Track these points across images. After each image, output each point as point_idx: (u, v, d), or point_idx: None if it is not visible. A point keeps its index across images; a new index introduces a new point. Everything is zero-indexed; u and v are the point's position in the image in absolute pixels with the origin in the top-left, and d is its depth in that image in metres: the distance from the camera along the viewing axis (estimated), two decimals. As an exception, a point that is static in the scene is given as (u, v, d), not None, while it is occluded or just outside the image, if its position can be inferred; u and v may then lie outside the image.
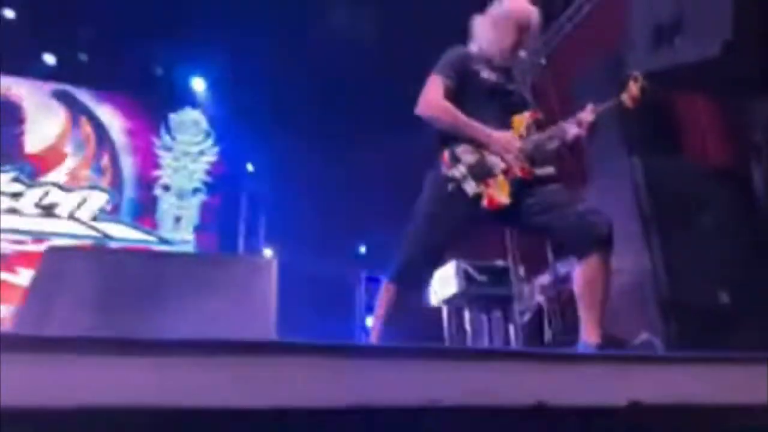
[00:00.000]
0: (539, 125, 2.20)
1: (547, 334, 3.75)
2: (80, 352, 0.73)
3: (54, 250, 1.71)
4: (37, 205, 6.13)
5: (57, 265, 1.35)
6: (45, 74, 6.34)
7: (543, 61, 3.17)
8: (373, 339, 2.12)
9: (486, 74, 2.22)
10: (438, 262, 2.22)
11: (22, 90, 6.37)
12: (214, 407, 0.72)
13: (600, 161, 3.12)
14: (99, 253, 1.70)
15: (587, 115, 2.10)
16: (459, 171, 2.08)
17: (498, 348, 3.36)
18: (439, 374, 0.82)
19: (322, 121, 6.41)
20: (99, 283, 1.30)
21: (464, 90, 2.18)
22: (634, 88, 2.02)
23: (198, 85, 6.80)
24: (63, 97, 6.49)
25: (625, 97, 2.04)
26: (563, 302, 3.31)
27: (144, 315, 1.27)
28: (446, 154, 2.11)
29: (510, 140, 2.09)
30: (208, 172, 6.88)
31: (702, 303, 2.47)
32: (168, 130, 6.83)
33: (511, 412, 0.85)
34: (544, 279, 3.94)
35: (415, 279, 2.16)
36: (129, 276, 1.34)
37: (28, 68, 6.28)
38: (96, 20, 5.71)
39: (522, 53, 2.53)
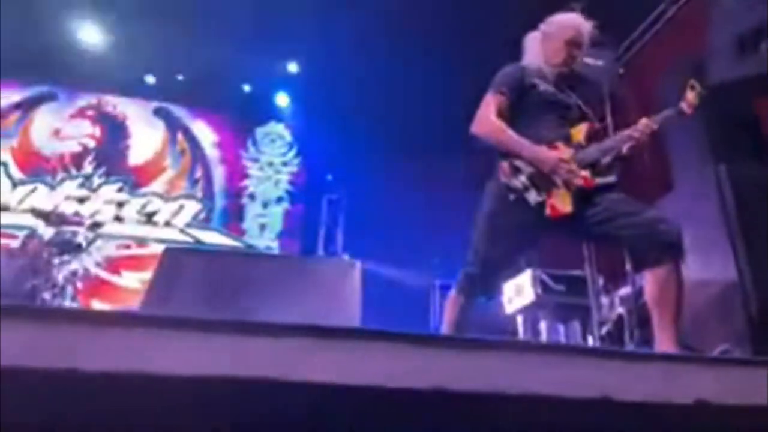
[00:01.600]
0: (597, 136, 2.22)
1: (629, 347, 3.66)
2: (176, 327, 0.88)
3: (172, 251, 1.93)
4: (139, 213, 6.68)
5: (175, 262, 1.54)
6: (146, 93, 6.92)
7: (621, 70, 3.15)
8: None
9: (543, 87, 2.26)
10: (504, 272, 2.26)
11: (127, 108, 6.98)
12: (312, 381, 0.85)
13: (685, 169, 3.05)
14: (208, 253, 1.90)
15: (643, 126, 2.09)
16: (520, 181, 2.13)
17: (565, 344, 3.33)
18: (509, 365, 0.90)
19: (400, 134, 6.57)
20: (208, 280, 1.48)
21: (522, 104, 2.23)
22: (691, 95, 2.01)
23: (282, 100, 7.18)
24: (162, 114, 7.06)
25: (683, 105, 2.03)
26: (644, 315, 3.24)
27: (244, 309, 1.43)
28: (506, 165, 2.17)
29: (557, 161, 2.10)
30: (291, 182, 7.22)
31: (793, 316, 2.36)
32: (254, 143, 7.24)
33: (579, 403, 0.92)
34: (625, 290, 3.86)
35: (481, 290, 2.22)
36: (233, 274, 1.51)
37: (132, 88, 6.89)
38: (190, 42, 6.16)
39: (599, 62, 2.55)
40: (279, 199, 7.12)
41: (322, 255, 6.77)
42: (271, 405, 0.88)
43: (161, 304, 1.39)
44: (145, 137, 6.93)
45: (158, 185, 6.82)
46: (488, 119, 2.21)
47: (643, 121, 2.11)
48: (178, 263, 1.50)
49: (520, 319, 4.36)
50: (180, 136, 7.05)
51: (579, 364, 0.96)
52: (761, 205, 2.58)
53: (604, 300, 4.08)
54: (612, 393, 0.94)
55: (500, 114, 2.22)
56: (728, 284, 2.49)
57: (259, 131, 7.29)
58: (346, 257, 7.02)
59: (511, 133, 2.19)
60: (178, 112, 7.09)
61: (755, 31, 2.40)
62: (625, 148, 2.15)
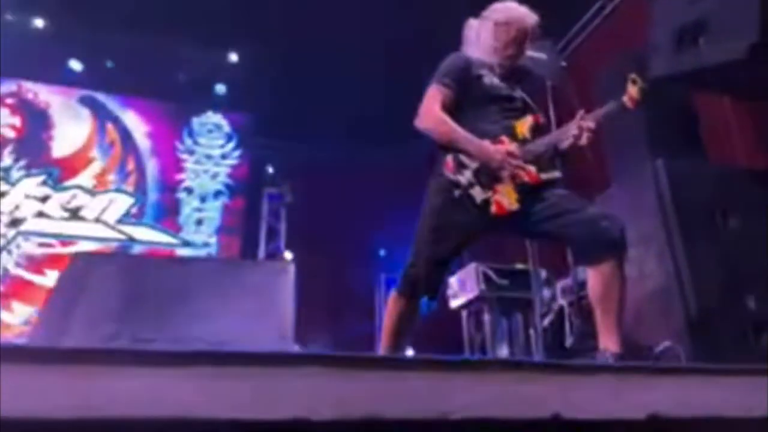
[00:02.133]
0: (542, 129, 2.18)
1: (569, 339, 3.70)
2: (93, 362, 0.74)
3: (80, 257, 1.74)
4: (64, 209, 6.26)
5: (81, 271, 1.37)
6: (72, 81, 6.49)
7: (564, 63, 3.13)
8: (381, 351, 2.11)
9: (488, 79, 2.20)
10: (447, 270, 2.19)
11: (50, 96, 6.52)
12: (227, 419, 0.73)
13: (623, 164, 3.08)
14: (122, 259, 1.72)
15: (586, 121, 2.06)
16: (465, 177, 2.06)
17: (511, 359, 3.33)
18: (450, 385, 0.81)
19: (343, 125, 6.44)
20: (122, 290, 1.32)
21: (466, 96, 2.17)
22: (633, 90, 1.99)
23: (220, 90, 6.89)
24: (89, 103, 6.63)
25: (625, 100, 2.01)
26: (584, 306, 3.26)
27: (166, 321, 1.29)
28: (450, 160, 2.10)
29: (504, 155, 2.05)
30: (230, 176, 6.95)
31: (728, 309, 2.41)
32: (190, 134, 6.93)
33: (526, 425, 0.84)
34: (565, 282, 3.89)
35: (424, 291, 2.14)
36: (151, 282, 1.36)
37: (56, 75, 6.43)
38: (121, 27, 5.81)
39: (542, 55, 2.51)
40: (217, 193, 6.84)
41: (263, 252, 6.56)
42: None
43: (58, 322, 1.22)
44: (70, 127, 6.50)
45: (85, 179, 6.42)
46: (433, 113, 2.13)
47: (582, 115, 2.08)
48: (86, 272, 1.34)
49: (464, 314, 4.34)
50: (109, 127, 6.65)
51: (528, 380, 0.88)
52: (698, 200, 2.62)
53: (546, 292, 4.10)
54: (563, 411, 0.86)
55: (445, 107, 2.14)
56: (667, 279, 2.51)
57: (196, 122, 6.97)
58: (287, 254, 6.84)
59: (457, 127, 2.11)
60: (107, 100, 6.68)
61: (695, 25, 2.42)
62: (566, 143, 2.12)
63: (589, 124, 2.05)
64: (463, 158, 2.09)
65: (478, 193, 2.04)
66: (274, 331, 1.39)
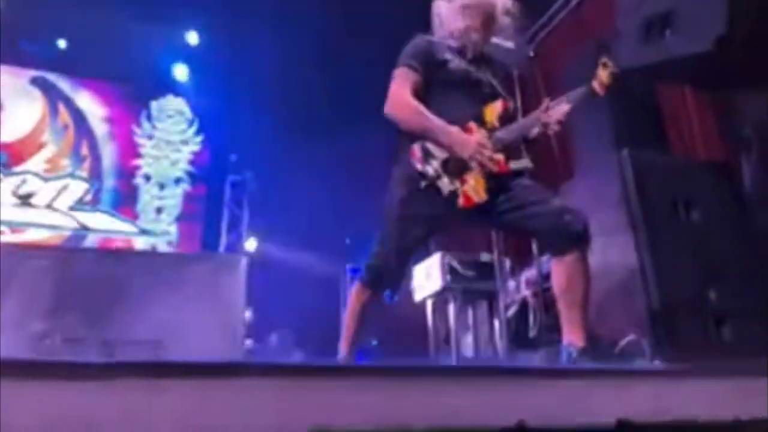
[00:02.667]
0: (511, 115, 2.14)
1: (533, 330, 3.70)
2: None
3: (6, 248, 1.61)
4: (14, 195, 5.97)
5: (8, 265, 1.25)
6: (22, 61, 6.16)
7: (531, 53, 3.09)
8: (342, 346, 2.04)
9: (455, 63, 2.14)
10: (411, 261, 2.14)
11: (-2, 77, 6.19)
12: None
13: (588, 154, 3.06)
14: (54, 252, 1.59)
15: (556, 110, 2.02)
16: (432, 167, 2.00)
17: (475, 365, 3.31)
18: (409, 394, 0.74)
19: (307, 111, 6.30)
20: (53, 285, 1.21)
21: (432, 80, 2.10)
22: (603, 74, 1.95)
23: (181, 72, 6.65)
24: (41, 85, 6.32)
25: (595, 84, 1.97)
26: (548, 298, 3.26)
27: (99, 319, 1.18)
28: (417, 149, 2.03)
29: (476, 146, 1.99)
30: (191, 162, 6.74)
31: (690, 301, 2.42)
32: (149, 119, 6.68)
33: (490, 435, 0.78)
34: (530, 273, 3.89)
35: (388, 283, 2.09)
36: (85, 277, 1.25)
37: (6, 55, 6.10)
38: (75, 4, 5.54)
39: (509, 44, 2.46)
40: (178, 180, 6.63)
41: (225, 241, 6.40)
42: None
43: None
44: (20, 110, 6.19)
45: (36, 163, 6.13)
46: (405, 101, 2.05)
47: (550, 104, 2.03)
48: (11, 266, 1.21)
49: (429, 305, 4.31)
50: (62, 109, 6.35)
51: (492, 386, 0.82)
52: (662, 191, 2.61)
53: (511, 283, 4.10)
54: (529, 418, 0.81)
55: (414, 92, 2.07)
56: (630, 271, 2.50)
57: (155, 106, 6.72)
58: (250, 242, 6.68)
59: (429, 115, 2.04)
60: (60, 82, 6.38)
61: (661, 17, 2.40)
62: (535, 132, 2.08)
63: (560, 113, 2.00)
64: (430, 147, 2.03)
65: (445, 185, 1.99)
66: (221, 328, 1.30)
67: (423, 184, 2.00)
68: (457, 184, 1.99)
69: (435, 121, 2.02)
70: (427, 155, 2.02)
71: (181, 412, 0.67)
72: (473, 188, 1.98)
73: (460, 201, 1.98)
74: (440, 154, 2.01)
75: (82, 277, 1.20)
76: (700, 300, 2.45)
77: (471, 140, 2.00)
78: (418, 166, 2.01)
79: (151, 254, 3.49)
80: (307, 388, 0.72)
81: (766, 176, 2.96)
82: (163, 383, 0.67)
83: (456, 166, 2.00)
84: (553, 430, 0.81)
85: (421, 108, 2.05)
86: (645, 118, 3.00)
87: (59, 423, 0.60)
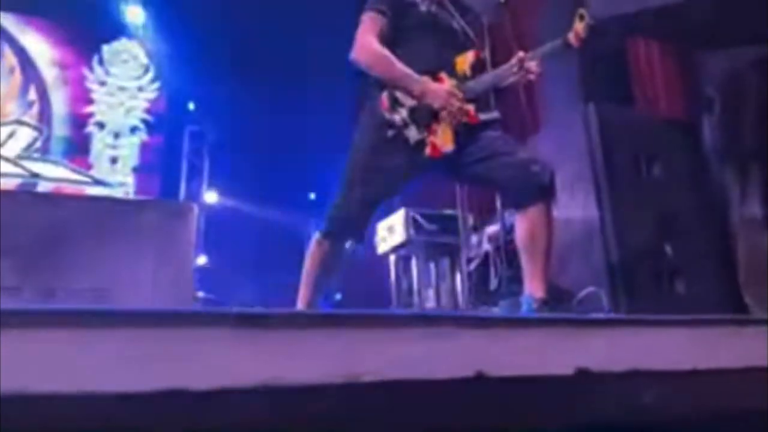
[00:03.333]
0: (482, 66, 2.09)
1: (493, 283, 3.74)
2: None
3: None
4: (-43, 141, 5.64)
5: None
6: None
7: (502, 0, 2.99)
8: (301, 299, 2.00)
9: (424, 7, 2.06)
10: (375, 213, 2.09)
11: (-68, 13, 5.74)
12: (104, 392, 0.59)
13: (554, 107, 3.04)
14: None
15: (530, 61, 1.98)
16: (400, 116, 1.94)
17: (429, 312, 3.33)
18: (360, 344, 0.70)
19: (270, 57, 6.07)
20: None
21: (401, 25, 2.03)
22: (579, 26, 1.90)
23: (135, 14, 6.29)
24: (-19, 23, 5.90)
25: (570, 36, 1.92)
26: (510, 251, 3.28)
27: (33, 268, 1.10)
28: (385, 97, 1.97)
29: (448, 96, 1.94)
30: (148, 110, 6.46)
31: (647, 256, 2.46)
32: (101, 63, 6.33)
33: (445, 385, 0.75)
34: (492, 228, 3.91)
35: (351, 234, 2.04)
36: (19, 221, 1.16)
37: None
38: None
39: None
40: (133, 129, 6.36)
41: (184, 193, 6.22)
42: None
43: None
44: (-40, 50, 5.78)
45: (-20, 108, 5.78)
46: (372, 46, 1.98)
47: (523, 56, 1.98)
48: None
49: (392, 259, 4.30)
50: (6, 50, 5.96)
51: (448, 336, 0.78)
52: (625, 146, 2.62)
53: (473, 238, 4.12)
54: (486, 368, 0.78)
55: (382, 38, 2.00)
56: (591, 225, 2.52)
57: (107, 49, 6.37)
58: (210, 195, 6.52)
59: (398, 63, 1.97)
60: (4, 19, 5.96)
61: (635, -37, 2.34)
62: (506, 83, 2.04)
63: (533, 64, 1.96)
64: (398, 95, 1.96)
65: (413, 134, 1.94)
66: (170, 277, 1.24)
67: (390, 133, 1.94)
68: (425, 133, 1.94)
69: (402, 69, 1.97)
70: (395, 103, 1.96)
71: (117, 361, 0.61)
72: (441, 138, 1.94)
73: (428, 151, 1.93)
74: (409, 102, 1.96)
75: (16, 221, 1.11)
76: (657, 254, 2.50)
77: (441, 89, 1.95)
78: (386, 115, 1.95)
79: (94, 199, 3.33)
80: (261, 338, 0.67)
81: (726, 135, 3.00)
82: (100, 333, 0.61)
83: (424, 115, 1.95)
84: (511, 379, 0.79)
85: (388, 54, 1.99)
86: (613, 72, 2.97)
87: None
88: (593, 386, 0.84)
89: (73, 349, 0.59)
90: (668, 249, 2.51)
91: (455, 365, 0.77)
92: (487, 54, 2.84)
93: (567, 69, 2.93)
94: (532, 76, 1.97)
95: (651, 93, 3.23)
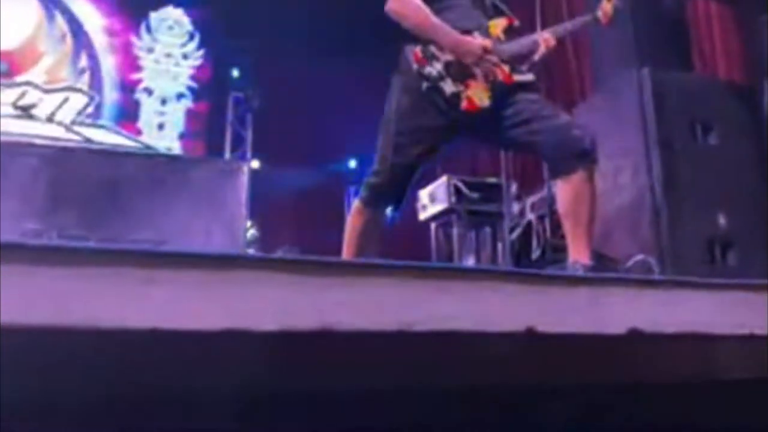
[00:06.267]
0: (516, 33, 2.04)
1: (535, 253, 3.70)
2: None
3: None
4: (14, 106, 5.85)
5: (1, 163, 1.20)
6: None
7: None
8: None
9: None
10: (413, 178, 2.06)
11: (-12, -20, 5.90)
12: (147, 328, 0.61)
13: (605, 73, 2.93)
14: (48, 150, 1.53)
15: (548, 38, 1.98)
16: (435, 68, 1.91)
17: (483, 267, 3.31)
18: (413, 294, 0.71)
19: (315, 26, 6.04)
20: (45, 184, 1.16)
21: None
22: (607, 6, 1.96)
23: (180, -19, 6.34)
24: (35, -10, 6.04)
25: (599, 14, 1.97)
26: (555, 221, 3.23)
27: (96, 220, 1.15)
28: (419, 50, 1.94)
29: (482, 50, 1.91)
30: (193, 77, 6.55)
31: (698, 225, 2.38)
32: (148, 30, 6.43)
33: (497, 338, 0.75)
34: (535, 197, 3.85)
35: (390, 200, 2.03)
36: (81, 176, 1.20)
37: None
38: None
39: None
40: (180, 96, 6.46)
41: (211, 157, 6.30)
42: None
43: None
44: (15, 17, 5.94)
45: (36, 74, 5.96)
46: None
47: (545, 34, 1.98)
48: (4, 164, 1.16)
49: (433, 227, 4.30)
50: (59, 17, 6.11)
51: (500, 290, 0.78)
52: (680, 113, 2.52)
53: (516, 206, 4.07)
54: (537, 324, 0.78)
55: None
56: (641, 193, 2.45)
57: (154, 17, 6.45)
58: (254, 162, 6.60)
59: (432, 15, 1.93)
60: (55, -13, 6.10)
61: None
62: (537, 55, 2.01)
63: (549, 38, 1.94)
64: (433, 49, 1.93)
65: (448, 86, 1.90)
66: (222, 233, 1.27)
67: (425, 85, 1.91)
68: (461, 87, 1.91)
69: (437, 21, 1.95)
70: (430, 57, 1.93)
71: (177, 303, 0.64)
72: (477, 93, 1.90)
73: (464, 104, 1.90)
74: (444, 56, 1.93)
75: (76, 177, 1.15)
76: (709, 224, 2.42)
77: (475, 43, 1.92)
78: (421, 68, 1.92)
79: (149, 156, 3.41)
80: (316, 284, 0.68)
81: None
82: (161, 273, 0.63)
83: (459, 70, 1.92)
84: (563, 336, 0.79)
85: (424, 7, 1.96)
86: (669, 35, 2.84)
87: (45, 305, 0.57)
88: (645, 347, 0.83)
89: (140, 286, 0.61)
90: (722, 220, 2.42)
91: (505, 321, 0.77)
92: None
93: (620, 33, 2.81)
94: (541, 53, 1.95)
95: (709, 56, 3.09)
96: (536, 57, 1.99)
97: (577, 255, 1.85)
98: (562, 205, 1.92)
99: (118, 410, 0.70)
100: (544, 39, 1.98)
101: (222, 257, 0.63)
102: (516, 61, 1.98)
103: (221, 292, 0.64)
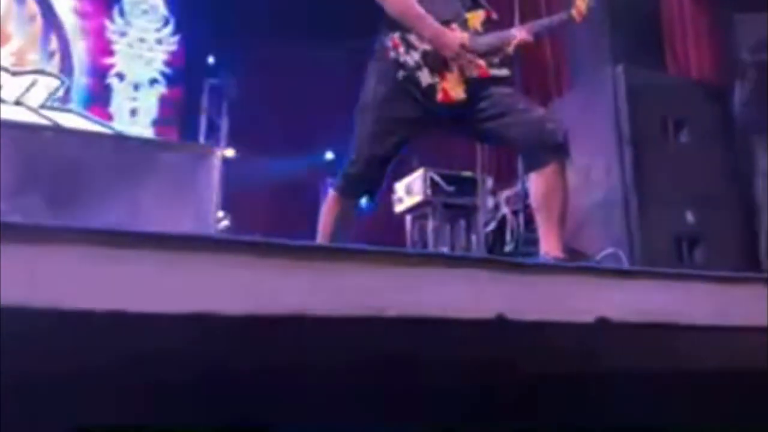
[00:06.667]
0: (493, 26, 2.06)
1: (509, 246, 3.73)
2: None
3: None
4: (-20, 89, 5.67)
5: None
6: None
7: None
8: None
9: None
10: (388, 168, 2.06)
11: (-47, -44, 5.70)
12: (115, 310, 0.60)
13: (580, 69, 2.96)
14: (16, 131, 1.47)
15: (524, 33, 1.98)
16: (412, 58, 1.92)
17: (456, 254, 3.33)
18: (386, 280, 0.70)
19: (291, 12, 5.97)
20: (12, 164, 1.13)
21: None
22: (581, 4, 1.95)
23: (154, -36, 6.20)
24: (2, -32, 5.85)
25: (573, 12, 1.96)
26: (528, 215, 3.26)
27: (62, 202, 1.12)
28: (397, 38, 1.94)
29: (460, 45, 1.92)
30: (167, 63, 6.42)
31: (668, 222, 2.43)
32: (121, 14, 6.28)
33: (468, 326, 0.76)
34: (510, 191, 3.88)
35: (365, 190, 2.03)
36: (49, 157, 1.17)
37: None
38: None
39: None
40: (153, 81, 6.33)
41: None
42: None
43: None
44: (-18, -4, 5.75)
45: (3, 56, 5.78)
46: None
47: (522, 30, 1.99)
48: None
49: (408, 219, 4.31)
50: (27, -3, 5.93)
51: (471, 277, 0.78)
52: (653, 110, 2.56)
53: (490, 201, 4.10)
54: (507, 312, 0.78)
55: None
56: (612, 189, 2.49)
57: (128, 0, 6.31)
58: (228, 151, 6.52)
59: (416, 5, 1.93)
60: (25, -33, 5.91)
61: None
62: (511, 48, 2.02)
63: (524, 35, 1.94)
64: (411, 38, 1.93)
65: (425, 77, 1.91)
66: (192, 218, 1.24)
67: (401, 74, 1.91)
68: (437, 78, 1.92)
69: (420, 11, 1.95)
70: (408, 45, 1.93)
71: (142, 283, 0.62)
72: (452, 85, 1.91)
73: (439, 96, 1.91)
74: (422, 46, 1.93)
75: (44, 158, 1.12)
76: (677, 221, 2.47)
77: (454, 37, 1.93)
78: (397, 56, 1.92)
79: (120, 138, 3.31)
80: (289, 268, 0.67)
81: (758, 102, 2.91)
82: (125, 253, 0.62)
83: (436, 61, 1.93)
84: (533, 324, 0.79)
85: None
86: (643, 34, 2.88)
87: (8, 284, 0.55)
88: (612, 335, 0.84)
89: (107, 267, 0.60)
90: (690, 216, 2.48)
91: (476, 308, 0.77)
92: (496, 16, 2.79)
93: (596, 30, 2.84)
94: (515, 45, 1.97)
95: (682, 56, 3.14)
96: (510, 50, 2.00)
97: (549, 248, 1.87)
98: (534, 198, 1.94)
99: (81, 395, 0.68)
100: (520, 34, 1.98)
101: (188, 238, 0.62)
102: (492, 54, 1.99)
103: (187, 273, 0.62)
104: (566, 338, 0.82)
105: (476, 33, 1.99)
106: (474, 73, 1.92)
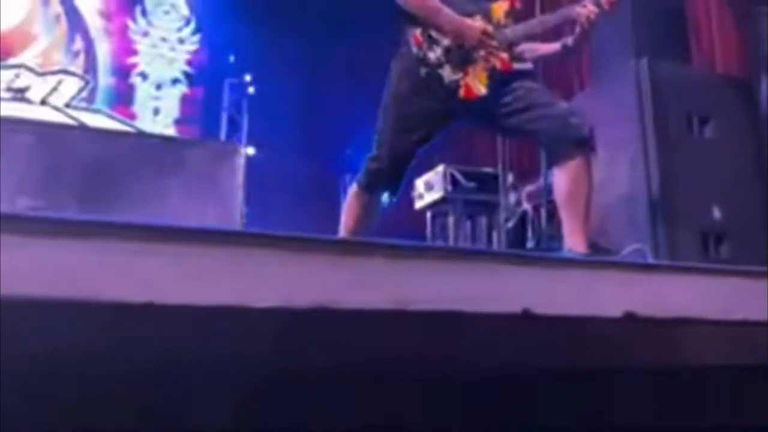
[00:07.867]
0: (518, 16, 2.04)
1: (530, 242, 3.71)
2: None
3: (-7, 124, 1.53)
4: (8, 89, 5.79)
5: (-6, 140, 1.19)
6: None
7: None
8: None
9: None
10: (410, 164, 2.06)
11: (-18, -40, 5.82)
12: (142, 302, 0.61)
13: (603, 63, 2.93)
14: (45, 129, 1.51)
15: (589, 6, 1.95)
16: (435, 54, 1.92)
17: (480, 248, 3.32)
18: (411, 274, 0.71)
19: (312, 11, 6.00)
20: (40, 162, 1.15)
21: None
22: None
23: (176, -36, 6.27)
24: (28, -29, 5.96)
25: (603, 1, 1.93)
26: (551, 210, 3.24)
27: (90, 199, 1.14)
28: (419, 34, 1.94)
29: (482, 34, 1.91)
30: (189, 63, 6.50)
31: (694, 217, 2.39)
32: (144, 14, 6.36)
33: (493, 320, 0.75)
34: (531, 187, 3.86)
35: (387, 186, 2.04)
36: (76, 155, 1.19)
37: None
38: None
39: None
40: (175, 81, 6.41)
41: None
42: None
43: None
44: (9, -2, 5.87)
45: (29, 56, 5.90)
46: None
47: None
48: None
49: (428, 216, 4.30)
50: (53, -1, 6.04)
51: (496, 272, 0.78)
52: (678, 105, 2.52)
53: (512, 197, 4.07)
54: (533, 306, 0.78)
55: None
56: (637, 184, 2.46)
57: (150, 0, 6.39)
58: (249, 149, 6.56)
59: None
60: (50, -32, 6.02)
61: None
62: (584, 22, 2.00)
63: (590, 7, 1.91)
64: (433, 34, 1.93)
65: (447, 73, 1.91)
66: (218, 215, 1.26)
67: (423, 71, 1.92)
68: (459, 74, 1.92)
69: (440, 5, 1.95)
70: (430, 41, 1.92)
71: (169, 276, 0.63)
72: (474, 80, 1.91)
73: (461, 92, 1.91)
74: (444, 41, 1.93)
75: (72, 156, 1.14)
76: (703, 216, 2.43)
77: (476, 27, 1.92)
78: (420, 52, 1.92)
79: (145, 136, 3.36)
80: (312, 262, 0.68)
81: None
82: (152, 246, 0.63)
83: (459, 56, 1.92)
84: (559, 318, 0.79)
85: None
86: (668, 27, 2.84)
87: (42, 278, 0.57)
88: (640, 330, 0.83)
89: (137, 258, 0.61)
90: (716, 212, 2.44)
91: (501, 303, 0.77)
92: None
93: (619, 23, 2.80)
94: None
95: (708, 48, 3.08)
96: (583, 26, 1.97)
97: (573, 243, 1.86)
98: (558, 193, 1.93)
99: (114, 388, 0.69)
100: (584, 10, 1.93)
101: (222, 232, 0.63)
102: (516, 48, 1.97)
103: (219, 266, 0.64)
104: (593, 332, 0.82)
105: (500, 25, 1.99)
106: (497, 66, 1.91)
